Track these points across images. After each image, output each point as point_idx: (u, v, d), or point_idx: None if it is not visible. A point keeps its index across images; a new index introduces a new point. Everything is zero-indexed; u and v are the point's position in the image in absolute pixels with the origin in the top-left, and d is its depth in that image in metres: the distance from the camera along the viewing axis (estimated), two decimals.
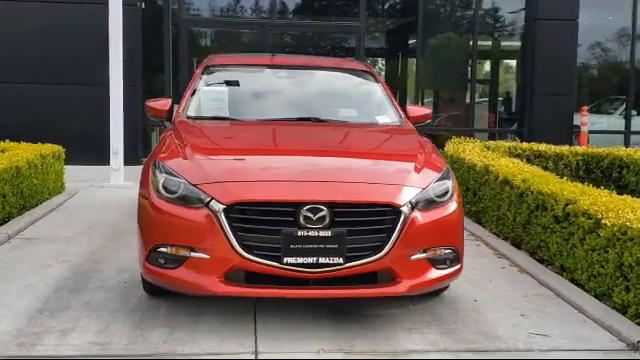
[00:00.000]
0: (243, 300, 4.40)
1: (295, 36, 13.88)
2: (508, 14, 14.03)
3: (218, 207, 3.87)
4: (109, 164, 10.64)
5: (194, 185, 4.01)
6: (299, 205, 3.84)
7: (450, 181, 4.36)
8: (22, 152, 7.41)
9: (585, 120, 12.86)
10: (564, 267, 5.28)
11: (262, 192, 3.95)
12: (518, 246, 6.15)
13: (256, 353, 3.78)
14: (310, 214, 3.83)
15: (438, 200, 4.20)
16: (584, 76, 15.07)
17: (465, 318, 4.42)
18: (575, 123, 13.21)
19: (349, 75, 6.06)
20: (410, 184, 4.13)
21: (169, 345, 3.85)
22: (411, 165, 4.33)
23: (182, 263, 3.98)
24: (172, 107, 5.57)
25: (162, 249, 4.03)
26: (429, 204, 4.14)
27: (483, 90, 15.55)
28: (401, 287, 4.01)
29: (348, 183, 4.09)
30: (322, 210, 3.84)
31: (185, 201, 4.02)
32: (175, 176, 4.12)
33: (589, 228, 4.88)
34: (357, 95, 5.86)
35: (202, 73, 5.75)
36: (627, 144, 13.32)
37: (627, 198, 5.07)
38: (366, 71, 6.09)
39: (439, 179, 4.29)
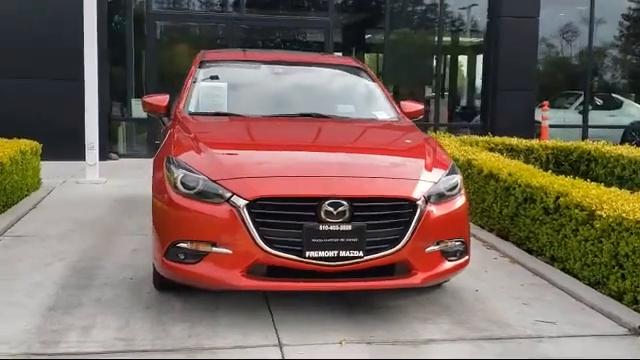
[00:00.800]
0: (255, 295, 4.47)
1: (263, 30, 13.87)
2: (472, 11, 14.34)
3: (240, 202, 3.93)
4: (80, 159, 10.49)
5: (214, 181, 4.05)
6: (321, 200, 3.93)
7: (458, 175, 4.51)
8: (1, 148, 7.28)
9: (546, 115, 13.23)
10: (555, 257, 5.50)
11: (285, 187, 4.02)
12: (505, 237, 6.35)
13: (280, 345, 3.86)
14: (331, 209, 3.92)
15: (448, 194, 4.34)
16: (539, 71, 15.48)
17: (472, 307, 4.58)
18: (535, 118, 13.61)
19: (343, 71, 6.16)
20: (423, 178, 4.26)
21: (194, 339, 3.89)
22: (422, 160, 4.46)
23: (203, 258, 4.02)
24: (170, 103, 5.56)
25: (182, 245, 4.06)
26: (440, 198, 4.27)
27: (447, 85, 15.82)
28: (417, 279, 4.14)
29: (366, 178, 4.21)
30: (343, 205, 3.93)
31: (204, 196, 4.05)
32: (193, 172, 4.14)
33: (582, 219, 5.09)
34: (354, 91, 5.96)
35: (199, 68, 5.75)
36: (585, 138, 13.78)
37: (616, 190, 5.32)
38: (360, 67, 6.19)
39: (448, 173, 4.44)
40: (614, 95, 16.44)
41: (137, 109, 12.55)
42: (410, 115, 5.72)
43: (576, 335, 4.17)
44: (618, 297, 4.69)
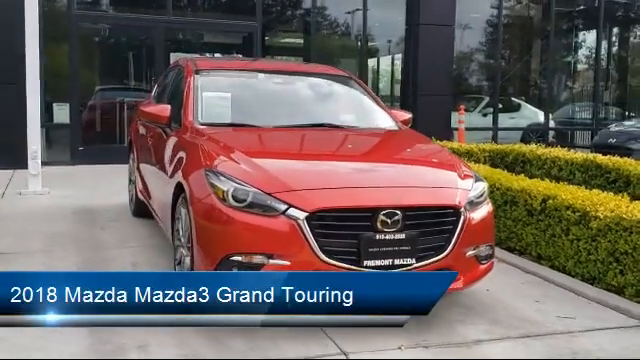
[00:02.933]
0: None
1: (190, 33, 13.66)
2: (393, 19, 14.75)
3: (300, 215, 3.97)
4: (6, 168, 10.04)
5: (268, 193, 4.06)
6: (377, 210, 4.05)
7: (484, 183, 4.76)
8: None
9: (463, 118, 13.90)
10: (542, 255, 5.88)
11: (343, 199, 4.10)
12: None
13: (345, 353, 3.94)
14: (386, 218, 4.05)
15: (477, 201, 4.57)
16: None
17: (494, 307, 4.82)
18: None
19: (337, 81, 6.21)
20: (461, 186, 4.48)
21: (257, 352, 3.90)
22: (455, 169, 4.68)
23: (258, 271, 4.03)
24: (172, 113, 5.45)
25: (236, 258, 4.03)
26: (472, 205, 4.50)
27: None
28: (459, 283, 4.35)
29: (416, 188, 4.38)
30: (397, 214, 4.07)
31: (256, 208, 4.05)
32: (241, 184, 4.13)
33: (575, 220, 5.49)
34: (352, 100, 6.07)
35: (197, 76, 5.62)
36: (495, 139, 14.60)
37: (600, 192, 5.76)
38: (351, 77, 6.31)
39: (476, 181, 4.67)
40: (513, 99, 17.50)
41: (59, 114, 12.06)
42: (402, 123, 5.92)
43: (599, 328, 4.50)
44: (617, 291, 5.10)
